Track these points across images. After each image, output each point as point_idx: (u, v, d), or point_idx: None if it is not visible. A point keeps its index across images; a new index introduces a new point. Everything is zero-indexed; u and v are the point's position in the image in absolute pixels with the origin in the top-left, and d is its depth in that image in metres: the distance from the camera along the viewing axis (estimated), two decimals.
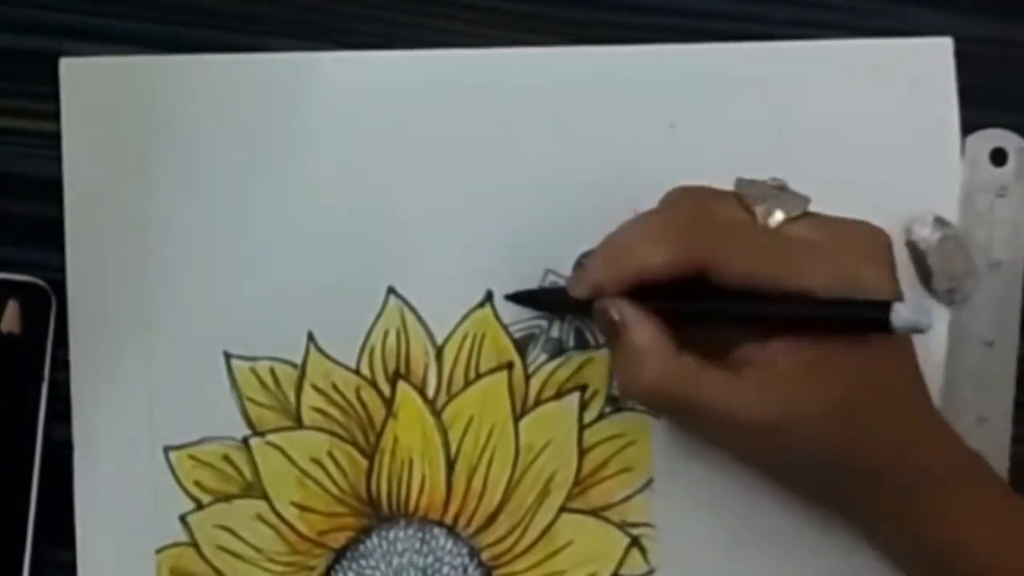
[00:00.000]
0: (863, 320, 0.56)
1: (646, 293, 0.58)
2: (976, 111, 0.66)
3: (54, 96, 0.64)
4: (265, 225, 0.64)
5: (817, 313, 0.56)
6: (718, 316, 0.58)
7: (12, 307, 0.61)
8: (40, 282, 0.61)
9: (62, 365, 0.63)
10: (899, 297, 0.57)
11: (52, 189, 0.63)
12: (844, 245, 0.57)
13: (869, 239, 0.58)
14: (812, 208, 0.58)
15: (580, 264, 0.63)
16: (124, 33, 0.64)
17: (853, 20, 0.67)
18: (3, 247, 0.63)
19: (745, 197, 0.58)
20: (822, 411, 0.56)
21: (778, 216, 0.57)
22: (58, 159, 0.63)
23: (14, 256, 0.63)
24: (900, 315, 0.54)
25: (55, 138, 0.63)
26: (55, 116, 0.63)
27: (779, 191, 0.58)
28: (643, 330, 0.57)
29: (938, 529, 0.58)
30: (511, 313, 0.64)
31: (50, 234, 0.63)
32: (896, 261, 0.58)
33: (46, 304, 0.61)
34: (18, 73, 0.64)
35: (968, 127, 0.66)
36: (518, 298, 0.64)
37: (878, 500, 0.58)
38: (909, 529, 0.59)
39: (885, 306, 0.54)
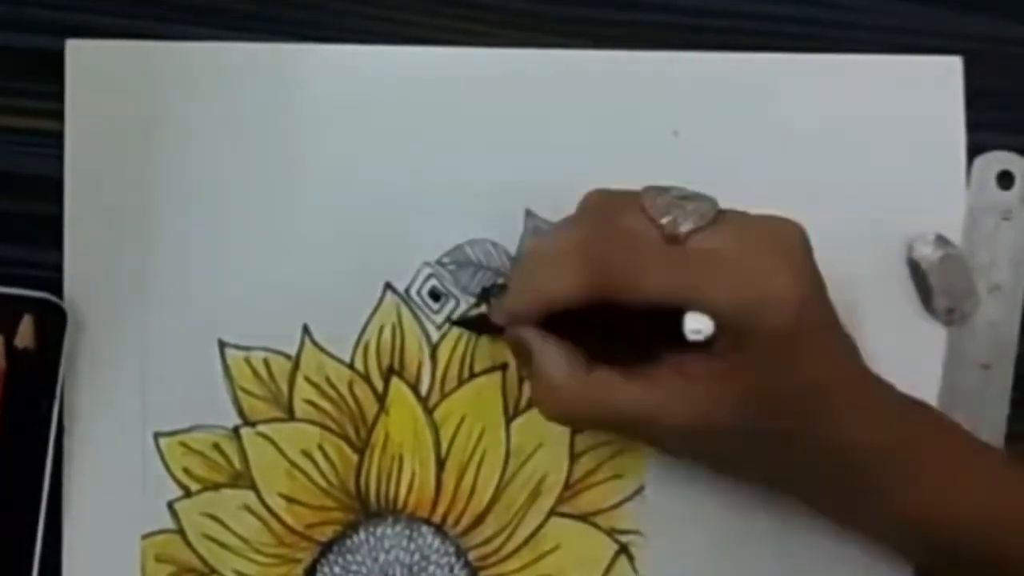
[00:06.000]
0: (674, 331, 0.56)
1: (557, 315, 0.57)
2: (985, 133, 0.66)
3: (55, 95, 0.63)
4: (264, 216, 0.64)
5: (637, 328, 0.57)
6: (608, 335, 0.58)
7: (27, 323, 0.61)
8: (54, 298, 0.61)
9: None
10: (814, 297, 0.56)
11: (53, 188, 0.63)
12: (752, 253, 0.56)
13: (780, 240, 0.57)
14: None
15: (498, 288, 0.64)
16: (126, 31, 0.64)
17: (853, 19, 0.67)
18: (2, 246, 0.63)
19: (650, 210, 0.57)
20: (735, 419, 0.56)
21: (684, 227, 0.56)
22: (59, 158, 0.63)
23: (12, 255, 0.63)
24: (690, 325, 0.55)
25: (56, 136, 0.63)
26: (56, 115, 0.63)
27: (684, 200, 0.57)
28: (551, 356, 0.57)
29: (892, 499, 0.58)
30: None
31: (50, 233, 0.63)
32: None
33: (60, 321, 0.61)
34: (20, 71, 0.64)
35: (976, 148, 0.66)
36: (461, 323, 0.64)
37: (823, 482, 0.59)
38: (860, 505, 0.59)
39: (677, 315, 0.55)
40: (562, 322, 0.57)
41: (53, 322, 0.61)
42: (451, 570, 0.64)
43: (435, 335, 0.64)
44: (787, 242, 0.57)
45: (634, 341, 0.57)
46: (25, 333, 0.61)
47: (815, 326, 0.57)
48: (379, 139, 0.64)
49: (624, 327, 0.57)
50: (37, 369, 0.61)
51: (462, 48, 0.65)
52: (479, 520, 0.64)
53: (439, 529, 0.64)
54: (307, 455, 0.63)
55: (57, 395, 0.61)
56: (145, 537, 0.63)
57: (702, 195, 0.57)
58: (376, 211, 0.64)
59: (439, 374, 0.64)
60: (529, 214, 0.64)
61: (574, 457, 0.64)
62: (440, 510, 0.64)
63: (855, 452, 0.57)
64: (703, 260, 0.56)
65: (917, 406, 0.60)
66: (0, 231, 0.63)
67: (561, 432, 0.64)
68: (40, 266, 0.63)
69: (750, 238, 0.56)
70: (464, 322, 0.64)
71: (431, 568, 0.63)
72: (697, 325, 0.55)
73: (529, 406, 0.64)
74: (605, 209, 0.58)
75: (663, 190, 0.57)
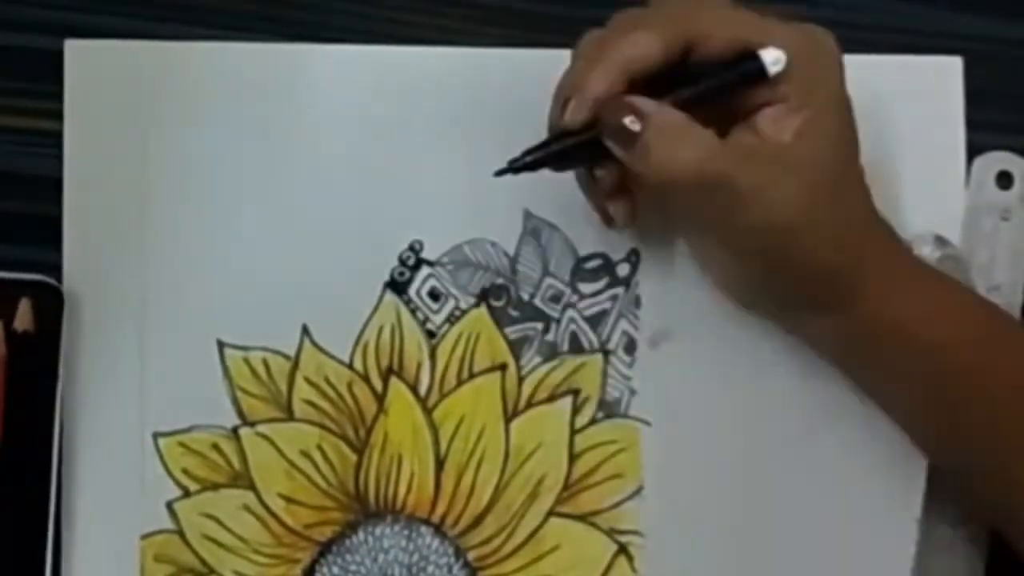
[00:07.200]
0: (748, 72, 0.58)
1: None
2: (985, 133, 0.66)
3: (55, 95, 0.63)
4: (264, 216, 0.64)
5: (709, 81, 0.58)
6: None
7: (24, 305, 0.61)
8: (51, 280, 0.61)
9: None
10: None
11: (53, 188, 0.63)
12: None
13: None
14: None
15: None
16: (126, 31, 0.64)
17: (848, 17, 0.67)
18: (3, 245, 0.63)
19: None
20: (819, 170, 0.58)
21: None
22: (58, 158, 0.63)
23: (12, 255, 0.63)
24: (767, 60, 0.57)
25: (56, 136, 0.63)
26: (56, 115, 0.63)
27: None
28: (672, 112, 0.57)
29: (886, 310, 0.59)
30: (506, 315, 0.64)
31: (50, 233, 0.63)
32: None
33: (58, 302, 0.61)
34: (20, 71, 0.64)
35: (976, 148, 0.66)
36: (519, 168, 0.60)
37: (830, 287, 0.59)
38: (856, 318, 0.60)
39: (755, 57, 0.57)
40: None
41: (51, 304, 0.61)
42: (450, 570, 0.63)
43: (434, 335, 0.64)
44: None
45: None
46: (24, 316, 0.61)
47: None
48: (379, 139, 0.64)
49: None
50: (38, 351, 0.61)
51: (462, 48, 0.65)
52: (478, 520, 0.64)
53: (438, 529, 0.64)
54: (306, 455, 0.63)
55: (60, 376, 0.61)
56: (144, 537, 0.62)
57: None
58: (376, 211, 0.64)
59: (438, 374, 0.64)
60: (528, 215, 0.64)
61: (573, 457, 0.64)
62: (439, 510, 0.64)
63: (867, 250, 0.59)
64: (769, 16, 0.59)
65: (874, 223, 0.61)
66: (0, 231, 0.63)
67: (560, 432, 0.64)
68: (40, 266, 0.62)
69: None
70: (520, 166, 0.60)
71: (430, 568, 0.63)
72: (773, 56, 0.57)
73: (529, 406, 0.64)
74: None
75: None
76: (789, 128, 0.57)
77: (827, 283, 0.59)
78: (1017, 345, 0.61)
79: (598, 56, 0.58)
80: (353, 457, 0.63)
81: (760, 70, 0.57)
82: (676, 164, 0.57)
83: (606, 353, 0.64)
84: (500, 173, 0.59)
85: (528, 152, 0.59)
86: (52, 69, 0.63)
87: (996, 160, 0.66)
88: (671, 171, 0.57)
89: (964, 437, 0.61)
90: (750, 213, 0.57)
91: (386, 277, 0.64)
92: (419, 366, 0.64)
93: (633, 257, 0.65)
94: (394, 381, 0.64)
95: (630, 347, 0.64)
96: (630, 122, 0.57)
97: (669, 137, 0.57)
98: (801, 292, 0.61)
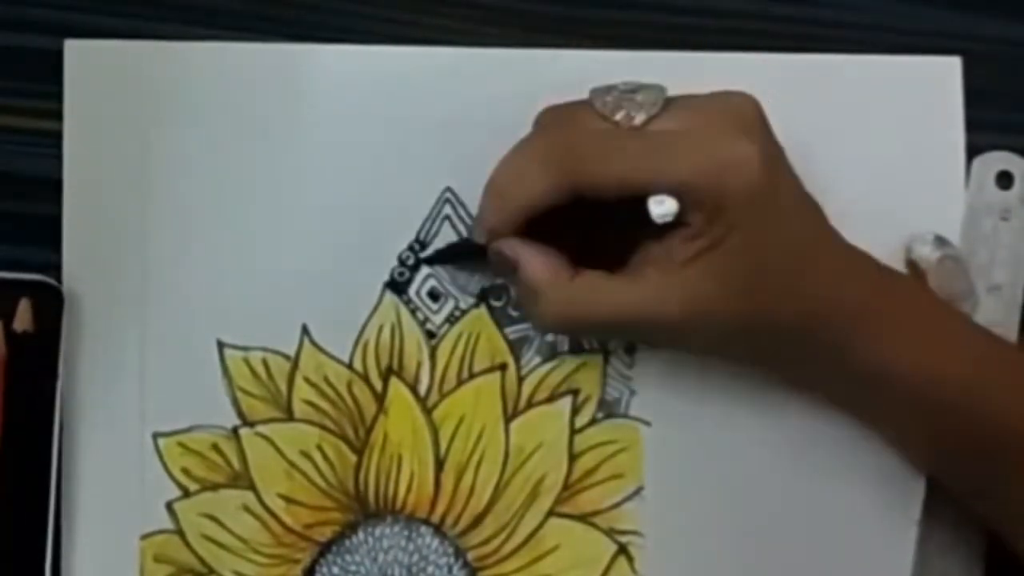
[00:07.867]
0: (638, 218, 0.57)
1: (538, 221, 0.59)
2: (984, 133, 0.66)
3: (55, 95, 0.63)
4: (264, 216, 0.64)
5: (622, 233, 0.59)
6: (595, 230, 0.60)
7: (24, 306, 0.61)
8: (51, 281, 0.61)
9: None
10: (776, 158, 0.58)
11: (52, 188, 0.63)
12: (710, 126, 0.58)
13: (735, 111, 0.58)
14: None
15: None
16: (126, 32, 0.64)
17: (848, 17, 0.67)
18: (3, 245, 0.63)
19: (602, 110, 0.59)
20: (724, 293, 0.57)
21: (639, 119, 0.58)
22: (58, 158, 0.63)
23: (12, 255, 0.63)
24: (654, 210, 0.56)
25: (56, 136, 0.63)
26: (56, 115, 0.63)
27: (633, 93, 0.59)
28: (536, 264, 0.59)
29: (873, 356, 0.59)
30: (506, 315, 0.64)
31: (49, 234, 0.63)
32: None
33: (58, 303, 0.61)
34: (20, 71, 0.64)
35: (975, 148, 0.66)
36: (435, 259, 0.64)
37: (809, 347, 0.59)
38: (846, 367, 0.60)
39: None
40: (545, 233, 0.59)
41: (51, 304, 0.61)
42: (450, 570, 0.63)
43: (434, 335, 0.64)
44: (742, 113, 0.58)
45: (621, 246, 0.59)
46: (23, 316, 0.61)
47: (783, 186, 0.58)
48: (378, 139, 0.64)
49: (609, 233, 0.59)
50: (38, 351, 0.61)
51: (462, 48, 0.65)
52: (478, 520, 0.64)
53: (438, 529, 0.64)
54: (306, 455, 0.63)
55: (60, 376, 0.61)
56: (144, 537, 0.62)
57: (648, 84, 0.59)
58: (376, 211, 0.64)
59: (438, 374, 0.64)
60: None
61: (573, 457, 0.64)
62: (439, 510, 0.64)
63: (837, 311, 0.59)
64: (663, 139, 0.57)
65: (889, 268, 0.62)
66: (0, 231, 0.63)
67: (560, 432, 0.64)
68: (40, 266, 0.62)
69: (705, 114, 0.58)
70: (439, 255, 0.64)
71: (430, 568, 0.63)
72: (661, 208, 0.57)
73: (529, 406, 0.64)
74: (559, 118, 0.60)
75: (610, 88, 0.59)
76: (684, 253, 0.57)
77: (792, 350, 0.60)
78: (1007, 369, 0.61)
79: (496, 193, 0.60)
80: (353, 457, 0.63)
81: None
82: (542, 317, 0.60)
83: (606, 353, 0.64)
84: (425, 262, 0.64)
85: (442, 250, 0.63)
86: (52, 69, 0.63)
87: (996, 160, 0.66)
88: (537, 322, 0.61)
89: (956, 465, 0.62)
90: (655, 338, 0.61)
91: (386, 277, 0.64)
92: (419, 366, 0.64)
93: None
94: (394, 381, 0.64)
95: (630, 347, 0.64)
96: (509, 261, 0.60)
97: (530, 293, 0.59)
98: (771, 363, 0.62)
